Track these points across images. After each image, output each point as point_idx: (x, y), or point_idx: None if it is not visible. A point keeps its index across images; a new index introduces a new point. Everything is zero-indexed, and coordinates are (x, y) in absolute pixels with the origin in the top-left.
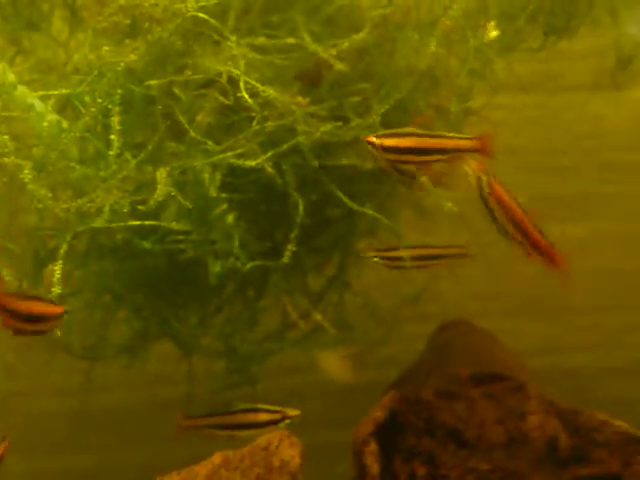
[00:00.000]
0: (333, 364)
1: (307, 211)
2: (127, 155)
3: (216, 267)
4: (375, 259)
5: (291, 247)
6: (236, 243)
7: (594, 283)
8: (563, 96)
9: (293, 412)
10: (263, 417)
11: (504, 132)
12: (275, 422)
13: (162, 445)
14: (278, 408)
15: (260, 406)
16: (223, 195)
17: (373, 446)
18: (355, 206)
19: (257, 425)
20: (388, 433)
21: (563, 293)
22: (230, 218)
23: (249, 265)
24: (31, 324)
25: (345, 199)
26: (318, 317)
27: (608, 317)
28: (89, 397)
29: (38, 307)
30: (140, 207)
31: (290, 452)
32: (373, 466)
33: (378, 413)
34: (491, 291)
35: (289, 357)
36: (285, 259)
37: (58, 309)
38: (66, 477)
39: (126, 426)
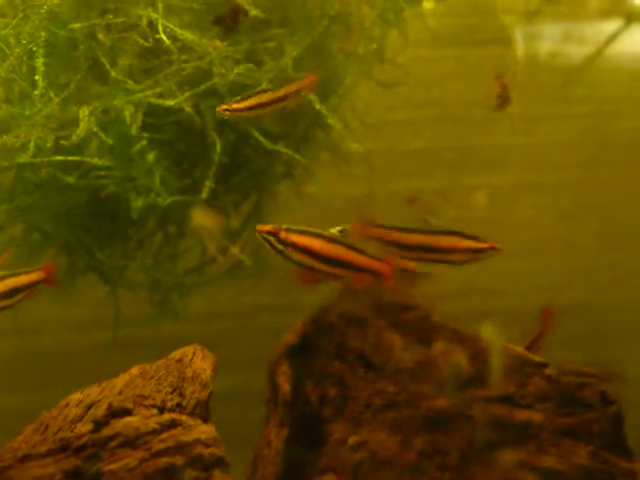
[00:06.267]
0: (205, 218)
1: (225, 150)
2: (51, 94)
3: (138, 202)
4: None
5: (209, 183)
6: (157, 180)
7: (508, 230)
8: (480, 50)
9: None
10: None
11: (424, 85)
12: None
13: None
14: None
15: None
16: (145, 135)
17: (285, 367)
18: (270, 145)
19: None
20: (301, 357)
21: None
22: (151, 156)
23: (169, 200)
24: None
25: (261, 138)
26: (235, 251)
27: (521, 262)
28: (21, 339)
29: None
30: (63, 142)
31: (202, 364)
32: (284, 385)
33: (290, 337)
34: None
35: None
36: (203, 195)
37: None
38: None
39: (57, 367)
